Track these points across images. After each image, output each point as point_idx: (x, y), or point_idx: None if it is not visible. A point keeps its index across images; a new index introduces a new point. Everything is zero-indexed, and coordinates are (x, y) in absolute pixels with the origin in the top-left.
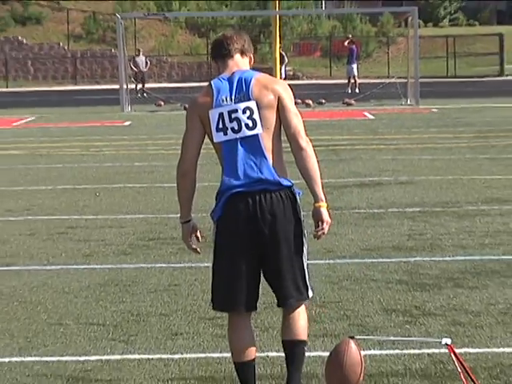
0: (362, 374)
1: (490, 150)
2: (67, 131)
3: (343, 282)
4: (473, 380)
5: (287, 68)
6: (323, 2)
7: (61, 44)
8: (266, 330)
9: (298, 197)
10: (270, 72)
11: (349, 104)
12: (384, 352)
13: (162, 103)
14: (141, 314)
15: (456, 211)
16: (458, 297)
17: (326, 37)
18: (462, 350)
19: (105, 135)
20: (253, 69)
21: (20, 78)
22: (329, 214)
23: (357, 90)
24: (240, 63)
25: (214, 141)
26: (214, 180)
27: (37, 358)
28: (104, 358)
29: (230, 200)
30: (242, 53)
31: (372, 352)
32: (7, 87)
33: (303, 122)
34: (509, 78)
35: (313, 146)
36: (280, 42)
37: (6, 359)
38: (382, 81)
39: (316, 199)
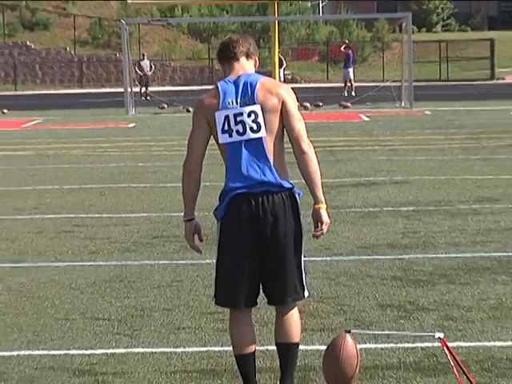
0: (357, 367)
1: (481, 150)
2: (74, 133)
3: (340, 278)
4: (465, 373)
5: (286, 72)
6: (321, 8)
7: (67, 49)
8: (265, 324)
9: (298, 198)
10: (269, 76)
11: (345, 107)
12: (379, 346)
13: (165, 106)
14: (145, 309)
15: (449, 210)
16: (450, 292)
17: (324, 42)
18: (455, 344)
19: (110, 137)
20: (257, 72)
21: (28, 81)
22: (328, 215)
23: (353, 93)
24: (246, 66)
25: (220, 142)
26: (215, 180)
27: (44, 352)
28: (109, 351)
29: (233, 201)
30: (248, 56)
31: (368, 346)
32: (16, 90)
33: None
34: (499, 81)
35: (314, 149)
36: (279, 47)
37: (15, 353)
38: (377, 84)
39: (316, 201)
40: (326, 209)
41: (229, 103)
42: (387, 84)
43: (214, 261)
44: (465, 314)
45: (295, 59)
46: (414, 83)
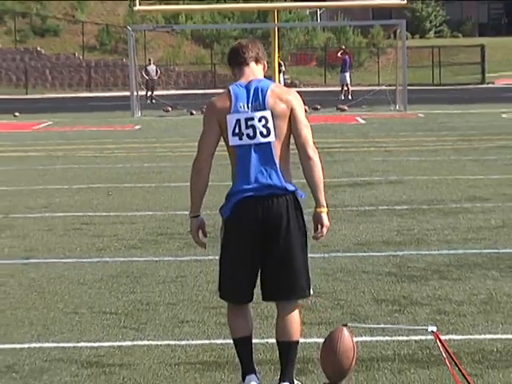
0: (354, 359)
1: (472, 152)
2: (82, 135)
3: (337, 273)
4: (457, 364)
5: (285, 76)
6: (318, 15)
7: (76, 54)
8: (265, 318)
9: (300, 200)
10: (269, 80)
11: (342, 109)
12: (375, 339)
13: (170, 109)
14: (150, 303)
15: (441, 208)
16: (442, 288)
17: (321, 47)
18: (447, 337)
19: (117, 138)
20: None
21: (39, 85)
22: (328, 218)
23: (349, 97)
24: (255, 71)
25: (230, 144)
26: (217, 180)
27: (54, 344)
28: (116, 344)
29: (240, 203)
30: (257, 60)
31: (364, 339)
32: (27, 94)
33: None
34: (489, 85)
35: (319, 153)
36: (278, 53)
37: (26, 345)
38: (373, 88)
39: (318, 204)
40: (327, 212)
41: (240, 107)
42: (382, 88)
43: (217, 257)
44: (456, 308)
45: (294, 64)
46: (408, 87)
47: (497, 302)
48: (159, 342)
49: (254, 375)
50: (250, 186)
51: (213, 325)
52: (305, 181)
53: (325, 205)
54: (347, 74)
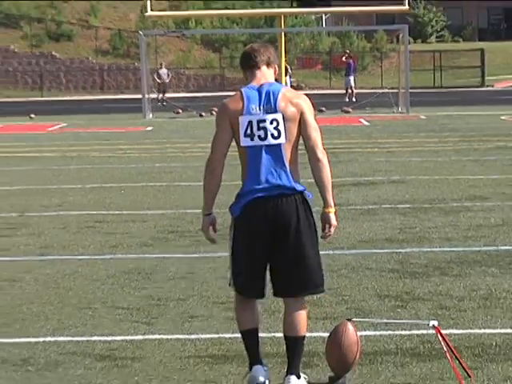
0: (358, 353)
1: (472, 152)
2: (95, 136)
3: (342, 270)
4: (457, 358)
5: (292, 79)
6: (324, 20)
7: (90, 58)
8: (272, 313)
9: (308, 199)
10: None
11: (346, 112)
12: (378, 333)
13: (180, 111)
14: (161, 298)
15: (442, 207)
16: (443, 284)
17: (327, 52)
18: (448, 331)
19: (129, 139)
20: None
21: (53, 88)
22: (336, 218)
23: (354, 99)
24: (266, 74)
25: (241, 144)
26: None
27: (68, 338)
28: (128, 338)
29: (250, 203)
30: (268, 64)
31: (367, 333)
32: (42, 97)
33: None
34: (489, 88)
35: (327, 154)
36: (285, 56)
37: (41, 339)
38: (376, 91)
39: (326, 205)
40: (335, 212)
41: (252, 109)
42: (385, 91)
43: (225, 254)
44: (457, 304)
45: (300, 68)
46: (410, 90)
47: (496, 297)
48: (170, 336)
49: (260, 366)
50: (260, 186)
51: (221, 319)
52: (311, 180)
53: (333, 205)
54: (351, 78)
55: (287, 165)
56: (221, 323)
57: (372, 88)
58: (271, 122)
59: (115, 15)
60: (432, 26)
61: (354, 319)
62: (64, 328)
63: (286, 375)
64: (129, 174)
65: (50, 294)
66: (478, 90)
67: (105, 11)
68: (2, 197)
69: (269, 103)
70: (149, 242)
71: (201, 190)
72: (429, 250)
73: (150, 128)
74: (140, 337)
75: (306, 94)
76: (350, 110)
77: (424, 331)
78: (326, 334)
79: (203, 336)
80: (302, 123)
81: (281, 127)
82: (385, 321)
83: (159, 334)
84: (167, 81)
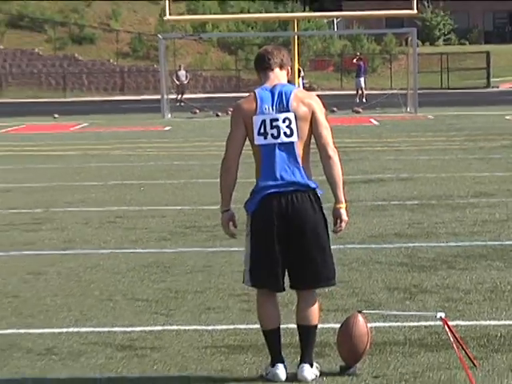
0: (368, 343)
1: (478, 151)
2: (116, 135)
3: (352, 264)
4: (463, 348)
5: (304, 81)
6: (335, 24)
7: (111, 60)
8: (285, 305)
9: (320, 196)
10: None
11: (357, 112)
12: (387, 324)
13: (198, 111)
14: (179, 291)
15: (449, 203)
16: (450, 277)
17: (338, 54)
18: (454, 323)
19: (148, 138)
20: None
21: (76, 89)
22: (347, 213)
23: (364, 100)
24: (279, 76)
25: (255, 143)
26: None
27: (90, 329)
28: (147, 329)
29: (265, 198)
30: (281, 66)
31: (377, 324)
32: (65, 97)
33: None
34: (494, 89)
35: (338, 153)
36: (298, 59)
37: (64, 329)
38: (386, 92)
39: (337, 201)
40: (346, 208)
41: (265, 109)
42: (394, 92)
43: (241, 249)
44: (463, 296)
45: (313, 69)
46: (419, 91)
47: (501, 290)
48: (187, 327)
49: (282, 364)
50: (275, 183)
51: (237, 311)
52: (322, 178)
53: (343, 201)
54: (362, 79)
55: (300, 162)
56: (236, 315)
57: (381, 89)
58: (284, 121)
59: (135, 19)
60: (439, 30)
61: (365, 311)
62: (86, 319)
63: (300, 363)
64: (148, 171)
65: (72, 287)
66: (484, 91)
67: (125, 15)
68: (28, 193)
69: (281, 103)
70: (167, 237)
71: (217, 187)
72: (436, 244)
73: (168, 127)
74: (159, 328)
75: (318, 95)
76: (361, 110)
77: (432, 323)
78: (338, 326)
79: (219, 327)
80: (313, 122)
81: (293, 126)
82: (394, 313)
83: (177, 325)
84: (185, 82)
